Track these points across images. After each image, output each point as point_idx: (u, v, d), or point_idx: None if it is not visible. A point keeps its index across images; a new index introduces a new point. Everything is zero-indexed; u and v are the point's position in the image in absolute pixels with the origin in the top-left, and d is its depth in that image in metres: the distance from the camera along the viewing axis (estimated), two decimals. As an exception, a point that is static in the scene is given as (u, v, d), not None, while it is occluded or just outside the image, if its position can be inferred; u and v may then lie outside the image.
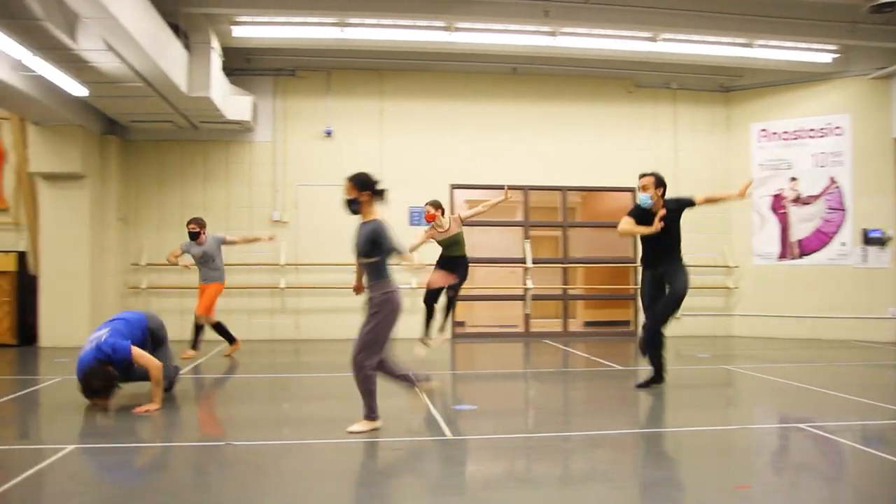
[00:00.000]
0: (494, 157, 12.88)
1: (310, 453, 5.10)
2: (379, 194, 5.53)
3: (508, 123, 13.00)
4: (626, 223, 7.23)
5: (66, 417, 6.45)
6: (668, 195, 7.24)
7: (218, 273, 9.96)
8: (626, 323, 13.74)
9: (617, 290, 14.07)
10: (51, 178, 11.41)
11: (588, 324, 14.77)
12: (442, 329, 9.69)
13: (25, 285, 11.70)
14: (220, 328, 10.18)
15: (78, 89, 9.39)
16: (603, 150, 13.23)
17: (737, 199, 7.57)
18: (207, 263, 9.87)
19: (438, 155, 12.81)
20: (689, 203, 7.13)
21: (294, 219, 12.51)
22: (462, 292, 10.02)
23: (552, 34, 11.15)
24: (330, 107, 12.67)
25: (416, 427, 5.92)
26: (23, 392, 7.45)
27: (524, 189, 13.03)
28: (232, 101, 11.55)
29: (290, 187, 12.58)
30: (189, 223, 9.85)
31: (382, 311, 5.40)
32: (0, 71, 8.65)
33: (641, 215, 7.17)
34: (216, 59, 10.57)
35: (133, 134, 12.40)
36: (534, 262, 12.88)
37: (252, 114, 12.00)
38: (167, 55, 9.01)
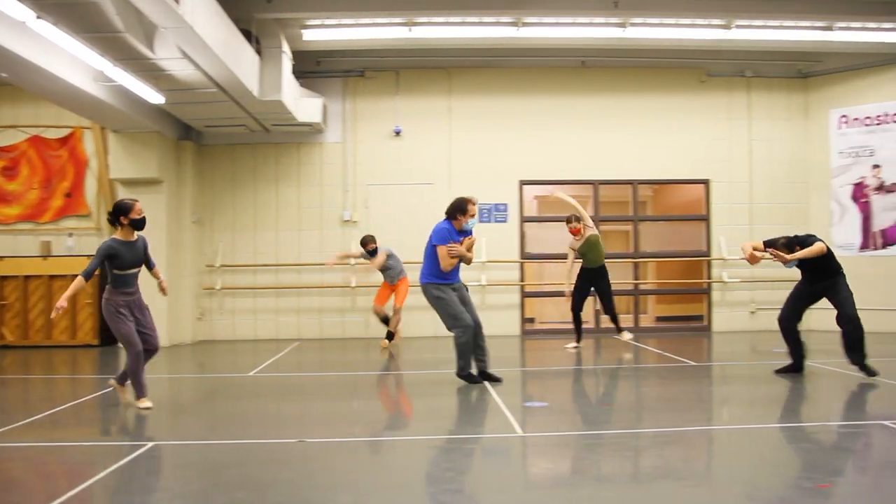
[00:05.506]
0: (564, 153, 12.77)
1: (378, 450, 5.16)
2: None
3: (578, 118, 12.86)
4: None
5: (146, 415, 6.66)
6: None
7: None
8: (700, 318, 13.43)
9: (689, 284, 13.75)
10: (130, 183, 11.74)
11: (660, 319, 14.50)
12: (620, 331, 10.92)
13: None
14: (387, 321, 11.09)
15: (155, 97, 9.74)
16: (675, 142, 12.97)
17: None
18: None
19: (507, 151, 12.75)
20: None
21: (364, 218, 12.63)
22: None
23: (622, 25, 10.97)
24: (399, 106, 12.76)
25: (487, 424, 5.94)
26: (104, 391, 7.65)
27: (594, 184, 12.88)
28: (303, 104, 11.76)
29: (360, 187, 12.72)
30: (366, 244, 10.85)
31: None
32: (83, 82, 9.04)
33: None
34: (287, 63, 10.77)
35: (207, 138, 12.76)
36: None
37: (322, 115, 12.17)
38: (240, 61, 9.24)
